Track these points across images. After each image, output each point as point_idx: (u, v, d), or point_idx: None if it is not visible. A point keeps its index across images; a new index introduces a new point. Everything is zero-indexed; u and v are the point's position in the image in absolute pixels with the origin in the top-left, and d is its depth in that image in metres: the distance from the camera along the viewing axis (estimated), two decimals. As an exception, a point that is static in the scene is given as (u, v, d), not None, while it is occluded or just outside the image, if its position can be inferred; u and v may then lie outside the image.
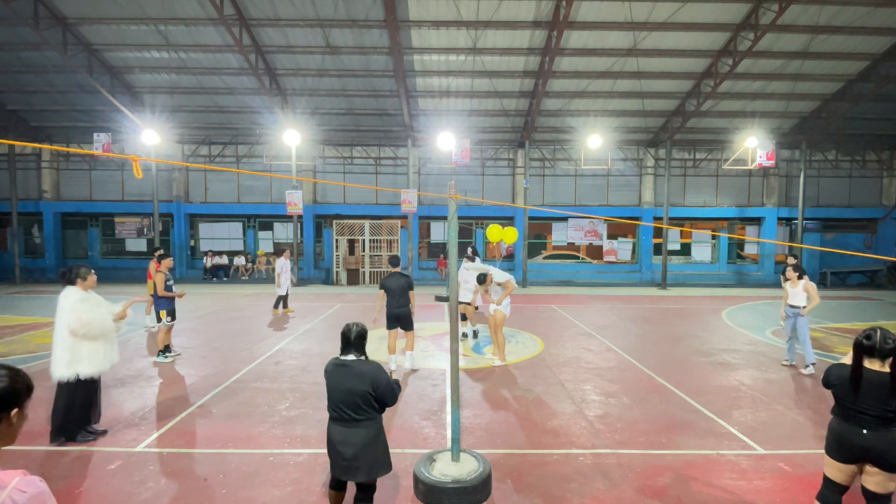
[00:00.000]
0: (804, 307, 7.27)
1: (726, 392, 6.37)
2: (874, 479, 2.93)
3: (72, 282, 4.70)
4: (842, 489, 3.10)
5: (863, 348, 2.97)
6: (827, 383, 3.14)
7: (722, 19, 13.45)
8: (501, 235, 7.86)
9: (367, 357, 3.22)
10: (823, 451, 3.15)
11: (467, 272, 8.88)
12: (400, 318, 6.94)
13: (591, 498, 3.82)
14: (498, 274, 7.53)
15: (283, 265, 11.85)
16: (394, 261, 7.18)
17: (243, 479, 4.04)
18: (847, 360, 3.20)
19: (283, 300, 11.93)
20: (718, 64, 14.73)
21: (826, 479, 3.14)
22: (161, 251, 10.00)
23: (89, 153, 12.69)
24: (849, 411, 3.00)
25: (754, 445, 4.76)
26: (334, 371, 3.11)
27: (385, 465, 3.16)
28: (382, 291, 6.93)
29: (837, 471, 3.07)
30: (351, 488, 3.30)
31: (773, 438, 4.91)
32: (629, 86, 16.08)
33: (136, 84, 16.66)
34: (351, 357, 3.14)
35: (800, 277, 7.30)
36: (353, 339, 3.15)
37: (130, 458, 4.38)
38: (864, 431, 2.92)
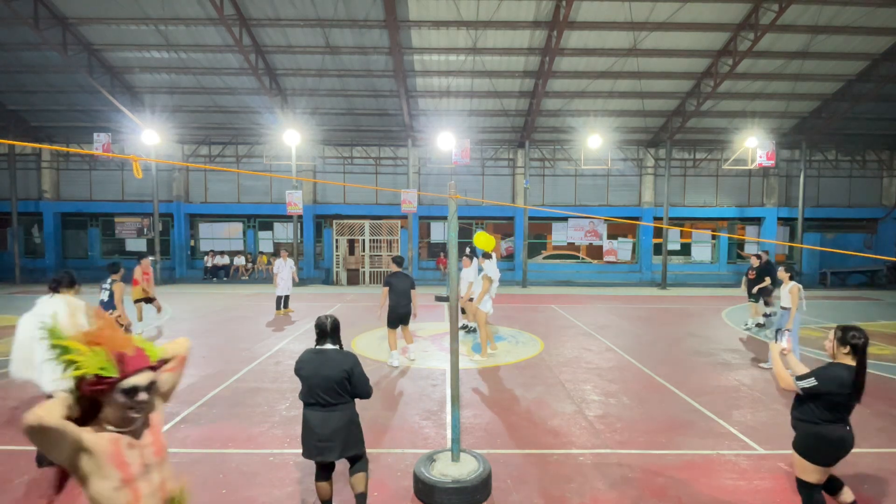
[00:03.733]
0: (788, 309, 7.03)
1: (726, 392, 6.38)
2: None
3: (58, 290, 4.48)
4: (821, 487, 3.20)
5: (866, 347, 2.99)
6: (827, 391, 2.93)
7: (722, 19, 13.45)
8: (488, 243, 7.65)
9: (342, 347, 3.41)
10: (816, 464, 3.06)
11: (468, 270, 9.14)
12: (404, 317, 7.34)
13: (591, 498, 3.82)
14: (489, 267, 7.94)
15: (279, 266, 11.84)
16: (398, 260, 7.47)
17: (243, 479, 4.04)
18: (793, 361, 3.33)
19: (282, 300, 11.89)
20: (718, 64, 14.73)
21: (813, 486, 3.12)
22: (150, 257, 9.94)
23: (89, 153, 12.69)
24: (844, 414, 3.00)
25: (754, 445, 4.76)
26: (312, 358, 3.27)
27: (358, 444, 3.31)
28: (387, 289, 7.23)
29: (826, 472, 3.12)
30: (337, 479, 3.38)
31: (773, 438, 4.91)
32: (629, 86, 16.09)
33: (136, 84, 16.66)
34: (328, 346, 3.33)
35: (791, 279, 7.09)
36: (329, 330, 3.37)
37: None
38: (848, 428, 3.03)
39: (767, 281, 10.07)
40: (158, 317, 10.90)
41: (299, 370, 3.27)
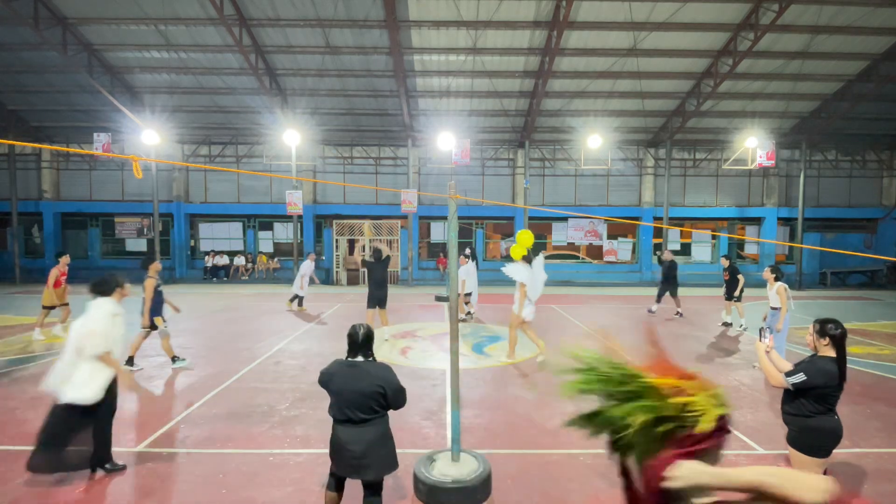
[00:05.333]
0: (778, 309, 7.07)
1: (726, 392, 6.36)
2: None
3: (104, 294, 4.11)
4: None
5: (844, 337, 3.11)
6: (817, 385, 3.03)
7: (722, 19, 13.45)
8: (520, 247, 7.61)
9: (374, 358, 3.19)
10: (815, 457, 3.07)
11: (463, 268, 10.41)
12: (382, 300, 8.60)
13: (591, 498, 3.81)
14: (518, 271, 7.43)
15: (308, 267, 12.15)
16: (376, 254, 8.65)
17: (243, 479, 4.04)
18: (776, 358, 3.35)
19: (300, 299, 12.21)
20: (718, 64, 14.73)
21: None
22: (66, 255, 9.22)
23: (89, 153, 12.68)
24: (833, 404, 3.08)
25: (754, 445, 4.76)
26: (344, 372, 3.05)
27: (393, 462, 3.15)
28: (366, 270, 8.85)
29: (823, 465, 3.13)
30: (348, 492, 3.29)
31: (773, 438, 4.90)
32: (629, 86, 16.08)
33: (136, 84, 16.66)
34: (360, 358, 3.12)
35: (776, 280, 7.09)
36: (361, 341, 3.12)
37: (130, 458, 4.38)
38: (836, 417, 3.10)
39: (742, 280, 10.27)
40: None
41: (328, 383, 3.06)
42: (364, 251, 9.22)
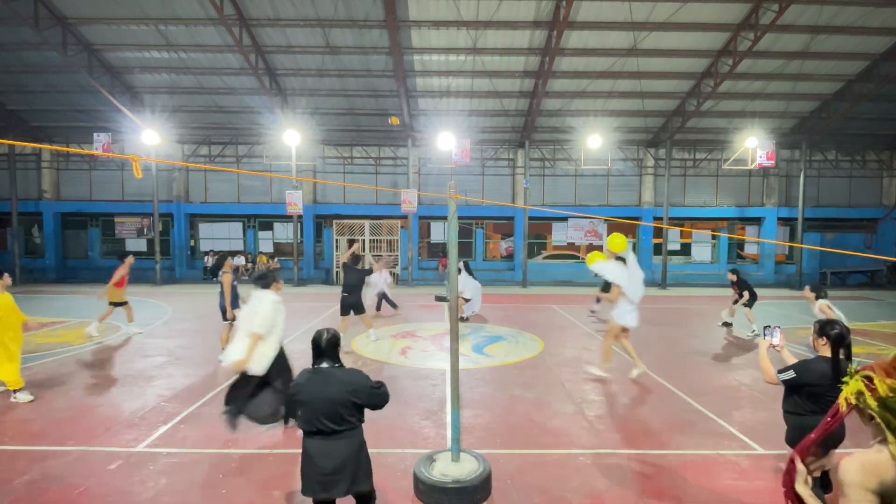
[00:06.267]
0: None
1: (726, 392, 6.38)
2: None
3: (268, 286, 4.99)
4: None
5: (841, 338, 3.09)
6: (807, 383, 3.08)
7: (722, 19, 13.45)
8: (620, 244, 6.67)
9: (342, 364, 2.97)
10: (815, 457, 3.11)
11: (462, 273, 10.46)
12: (354, 307, 8.54)
13: (591, 498, 3.82)
14: (609, 269, 6.68)
15: (378, 277, 11.68)
16: (355, 259, 8.84)
17: (243, 479, 4.04)
18: (787, 356, 3.36)
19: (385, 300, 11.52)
20: (718, 64, 14.73)
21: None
22: (130, 255, 9.65)
23: (89, 153, 12.69)
24: (829, 405, 3.08)
25: (754, 445, 4.76)
26: (311, 380, 2.85)
27: (367, 478, 2.94)
28: (343, 273, 8.73)
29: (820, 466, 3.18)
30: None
31: (773, 438, 4.90)
32: (629, 86, 16.08)
33: (136, 84, 16.66)
34: (325, 365, 2.90)
35: (817, 298, 6.70)
36: (325, 346, 2.91)
37: (130, 458, 4.38)
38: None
39: (746, 296, 10.07)
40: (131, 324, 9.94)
41: (296, 395, 2.83)
42: (367, 250, 9.54)
